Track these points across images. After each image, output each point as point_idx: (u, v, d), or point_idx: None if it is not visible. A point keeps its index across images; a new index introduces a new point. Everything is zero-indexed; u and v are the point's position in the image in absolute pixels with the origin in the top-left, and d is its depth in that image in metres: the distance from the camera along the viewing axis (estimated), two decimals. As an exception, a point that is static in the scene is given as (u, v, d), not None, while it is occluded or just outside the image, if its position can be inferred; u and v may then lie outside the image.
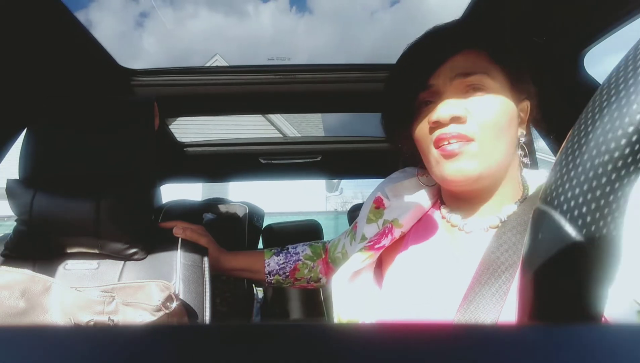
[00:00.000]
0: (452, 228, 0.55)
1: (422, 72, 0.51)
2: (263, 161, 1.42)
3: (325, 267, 0.82)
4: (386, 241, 0.57)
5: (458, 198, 0.55)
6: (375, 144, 1.46)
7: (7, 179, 0.67)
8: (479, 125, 0.47)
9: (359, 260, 0.55)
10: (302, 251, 0.84)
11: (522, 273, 0.25)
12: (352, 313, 0.53)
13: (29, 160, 0.67)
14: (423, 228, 0.58)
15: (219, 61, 7.48)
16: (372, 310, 0.54)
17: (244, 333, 0.13)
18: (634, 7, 0.57)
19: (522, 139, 0.52)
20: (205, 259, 0.77)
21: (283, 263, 0.83)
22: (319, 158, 1.41)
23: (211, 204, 1.39)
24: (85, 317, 0.60)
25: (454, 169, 0.48)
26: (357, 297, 0.55)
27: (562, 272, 0.22)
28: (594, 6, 0.61)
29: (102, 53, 0.81)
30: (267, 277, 0.83)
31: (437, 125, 0.48)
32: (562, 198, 0.22)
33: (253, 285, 1.43)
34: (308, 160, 1.42)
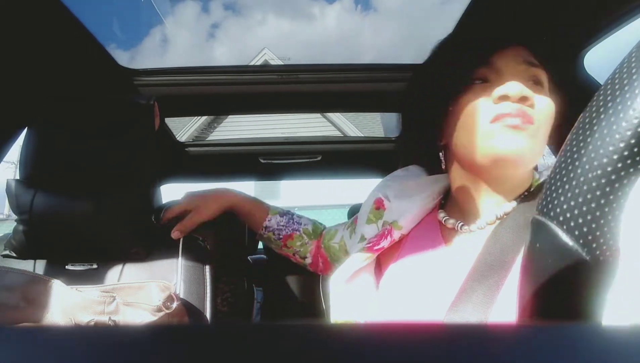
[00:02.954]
0: (449, 230, 0.54)
1: (487, 48, 0.50)
2: (263, 161, 1.42)
3: (316, 250, 0.81)
4: (385, 243, 0.56)
5: (461, 198, 0.55)
6: (375, 144, 1.46)
7: (7, 179, 0.67)
8: (540, 112, 0.47)
9: (359, 261, 0.55)
10: (304, 225, 0.82)
11: (521, 279, 0.25)
12: (348, 314, 0.53)
13: (29, 160, 0.67)
14: (422, 230, 0.57)
15: (267, 55, 7.33)
16: (369, 311, 0.53)
17: (244, 333, 0.13)
18: (634, 7, 0.57)
19: None
20: (207, 259, 0.77)
21: (283, 226, 0.81)
22: (319, 158, 1.41)
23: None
24: (85, 317, 0.60)
25: (511, 144, 0.46)
26: (354, 298, 0.54)
27: (559, 281, 0.22)
28: (594, 6, 0.61)
29: (103, 53, 0.81)
30: (263, 230, 0.81)
31: (502, 100, 0.47)
32: (558, 210, 0.22)
33: (253, 285, 1.43)
34: (308, 160, 1.42)
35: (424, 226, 0.58)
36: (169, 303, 0.62)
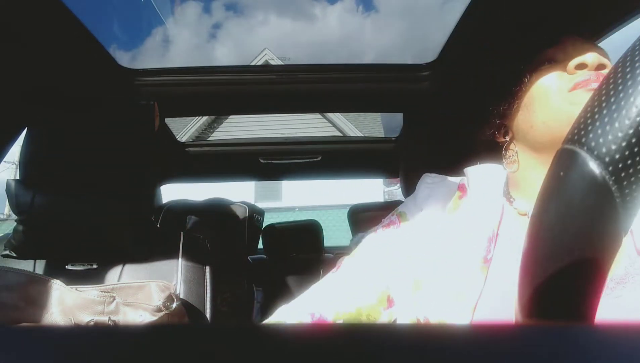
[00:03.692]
0: (520, 216, 0.50)
1: (557, 30, 0.50)
2: (263, 161, 1.42)
3: None
4: (493, 252, 0.47)
5: (535, 179, 0.50)
6: (375, 144, 1.46)
7: (7, 180, 0.67)
8: None
9: (480, 283, 0.45)
10: None
11: (535, 210, 0.23)
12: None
13: (29, 160, 0.67)
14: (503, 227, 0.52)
15: (267, 55, 7.25)
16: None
17: (244, 333, 0.13)
18: (634, 6, 0.57)
19: None
20: (207, 259, 0.77)
21: None
22: (319, 158, 1.41)
23: (211, 204, 1.39)
24: (85, 317, 0.60)
25: None
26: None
27: (579, 211, 0.21)
28: (595, 6, 0.61)
29: (103, 53, 0.81)
30: None
31: (580, 68, 0.46)
32: (590, 135, 0.20)
33: (253, 285, 1.43)
34: (308, 160, 1.42)
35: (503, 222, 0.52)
36: (168, 303, 0.62)
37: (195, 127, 6.95)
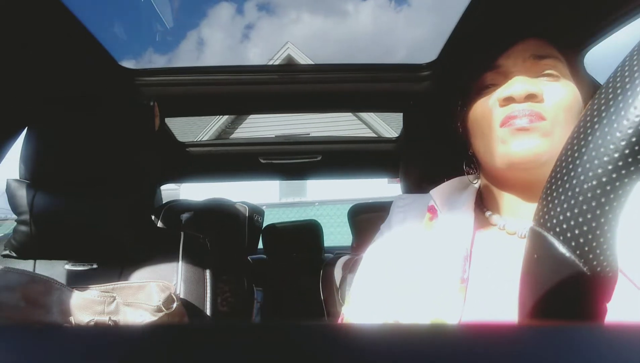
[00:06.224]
0: (492, 227, 0.49)
1: (491, 52, 0.49)
2: (263, 161, 1.42)
3: None
4: (468, 271, 0.46)
5: (502, 195, 0.50)
6: (375, 144, 1.46)
7: (8, 179, 0.67)
8: (553, 106, 0.44)
9: (460, 305, 0.44)
10: None
11: (521, 289, 0.25)
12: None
13: (29, 160, 0.67)
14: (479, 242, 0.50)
15: (290, 50, 7.01)
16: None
17: (244, 333, 0.13)
18: (634, 7, 0.57)
19: None
20: (207, 259, 0.77)
21: None
22: (319, 158, 1.41)
23: (211, 204, 1.39)
24: (85, 317, 0.60)
25: (522, 147, 0.43)
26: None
27: (558, 293, 0.22)
28: (594, 6, 0.61)
29: (103, 53, 0.81)
30: None
31: (508, 102, 0.45)
32: (554, 220, 0.22)
33: (253, 285, 1.43)
34: (308, 160, 1.42)
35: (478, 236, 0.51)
36: (169, 303, 0.62)
37: (216, 127, 6.84)
